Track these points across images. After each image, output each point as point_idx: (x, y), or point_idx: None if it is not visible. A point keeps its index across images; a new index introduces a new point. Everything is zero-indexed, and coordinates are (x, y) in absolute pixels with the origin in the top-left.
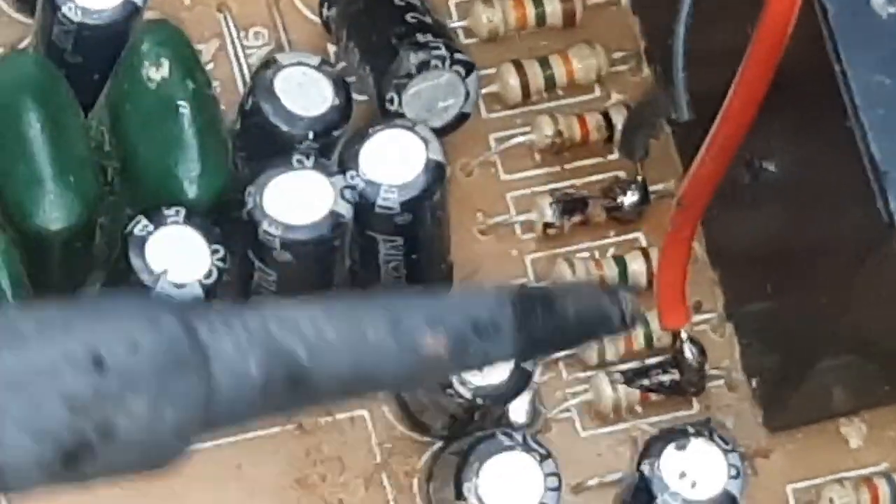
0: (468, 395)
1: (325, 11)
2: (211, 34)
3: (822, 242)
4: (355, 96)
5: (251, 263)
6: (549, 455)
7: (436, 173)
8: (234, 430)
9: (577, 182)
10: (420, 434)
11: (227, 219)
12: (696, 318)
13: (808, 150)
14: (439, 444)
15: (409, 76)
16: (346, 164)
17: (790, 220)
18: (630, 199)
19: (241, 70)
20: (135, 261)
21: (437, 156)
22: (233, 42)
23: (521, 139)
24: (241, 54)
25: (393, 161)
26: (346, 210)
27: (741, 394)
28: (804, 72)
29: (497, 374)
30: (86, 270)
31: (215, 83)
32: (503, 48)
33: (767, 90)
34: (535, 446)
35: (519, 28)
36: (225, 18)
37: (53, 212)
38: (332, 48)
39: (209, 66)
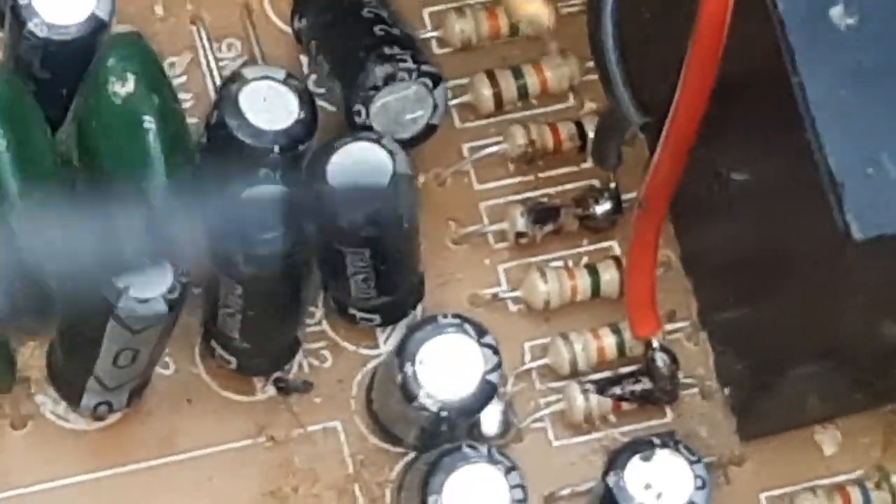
0: (434, 408)
1: (296, 23)
2: (184, 46)
3: (786, 252)
4: (326, 107)
5: (218, 278)
6: (514, 467)
7: (402, 185)
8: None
9: (551, 191)
10: (392, 445)
11: None
12: (670, 326)
13: (770, 161)
14: (412, 454)
15: (376, 88)
16: (313, 177)
17: (757, 230)
18: (603, 207)
19: (214, 82)
20: None
21: (404, 168)
22: (206, 54)
23: (493, 149)
24: (213, 66)
25: (359, 174)
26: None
27: (715, 402)
28: (764, 83)
29: (463, 387)
30: None
31: (188, 96)
32: (476, 58)
33: (713, 87)
34: (500, 458)
35: (492, 38)
36: (198, 30)
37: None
38: (305, 59)
39: (182, 79)
